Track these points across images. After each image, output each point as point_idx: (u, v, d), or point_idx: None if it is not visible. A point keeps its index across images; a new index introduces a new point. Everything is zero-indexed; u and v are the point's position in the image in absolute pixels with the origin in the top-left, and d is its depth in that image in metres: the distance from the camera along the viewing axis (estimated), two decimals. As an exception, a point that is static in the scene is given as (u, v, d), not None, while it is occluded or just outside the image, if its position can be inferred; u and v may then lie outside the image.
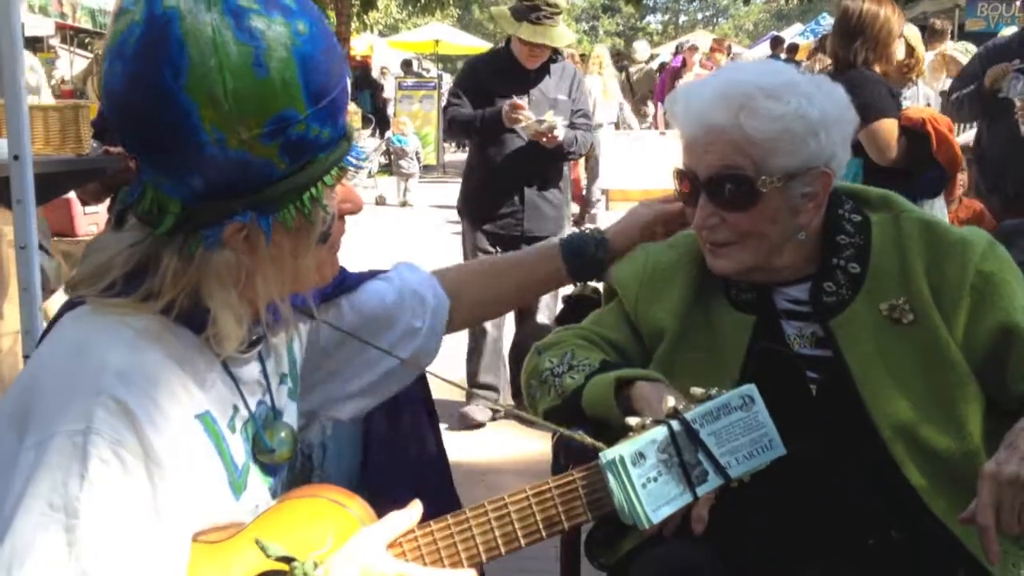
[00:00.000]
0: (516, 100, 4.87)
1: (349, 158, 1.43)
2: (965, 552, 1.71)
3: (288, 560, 1.37)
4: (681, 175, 1.88)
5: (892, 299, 1.82)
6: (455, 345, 1.84)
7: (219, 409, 1.46)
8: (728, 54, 15.31)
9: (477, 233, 5.07)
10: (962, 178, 5.18)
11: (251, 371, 1.55)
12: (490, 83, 5.04)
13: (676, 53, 16.08)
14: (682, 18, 62.80)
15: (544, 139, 4.86)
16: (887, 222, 1.89)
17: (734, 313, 1.91)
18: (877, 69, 4.30)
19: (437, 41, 24.95)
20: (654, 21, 63.18)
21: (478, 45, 25.35)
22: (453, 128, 5.23)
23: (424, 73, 23.12)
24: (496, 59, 5.28)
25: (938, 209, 4.45)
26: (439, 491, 1.89)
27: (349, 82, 1.47)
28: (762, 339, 1.87)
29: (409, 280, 1.89)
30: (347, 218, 1.53)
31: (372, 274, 1.88)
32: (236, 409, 1.50)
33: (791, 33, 25.14)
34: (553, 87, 5.10)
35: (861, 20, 4.26)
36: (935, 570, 1.77)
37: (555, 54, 5.12)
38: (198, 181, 1.33)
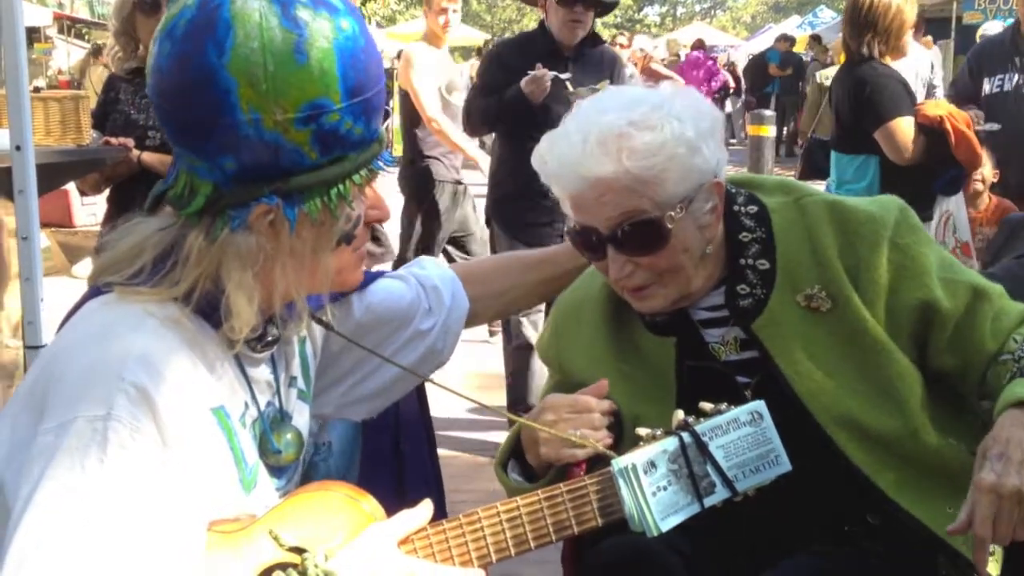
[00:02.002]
0: (539, 67, 4.19)
1: (379, 162, 1.47)
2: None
3: (300, 551, 1.39)
4: (577, 233, 1.81)
5: (807, 288, 1.79)
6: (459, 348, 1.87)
7: (232, 404, 1.48)
8: (630, 47, 14.86)
9: (513, 241, 4.53)
10: (996, 172, 5.13)
11: (263, 372, 1.57)
12: (523, 71, 4.33)
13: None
14: (680, 10, 62.66)
15: None
16: (786, 207, 1.86)
17: (654, 338, 1.89)
18: (888, 61, 4.25)
19: (435, 32, 24.88)
20: (652, 13, 63.04)
21: (476, 37, 25.33)
22: (472, 121, 4.59)
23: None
24: (527, 43, 4.60)
25: (955, 205, 4.41)
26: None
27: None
28: (686, 356, 1.85)
29: (429, 276, 1.90)
30: None
31: (382, 272, 1.89)
32: (247, 406, 1.52)
33: (789, 26, 25.17)
34: (593, 72, 4.47)
35: (872, 11, 4.19)
36: (915, 552, 1.77)
37: (594, 38, 4.56)
38: (231, 162, 1.36)
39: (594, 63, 4.53)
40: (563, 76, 4.28)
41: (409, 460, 1.97)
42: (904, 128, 4.13)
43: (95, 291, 1.48)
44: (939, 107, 4.34)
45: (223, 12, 1.32)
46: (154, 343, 1.36)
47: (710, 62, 18.97)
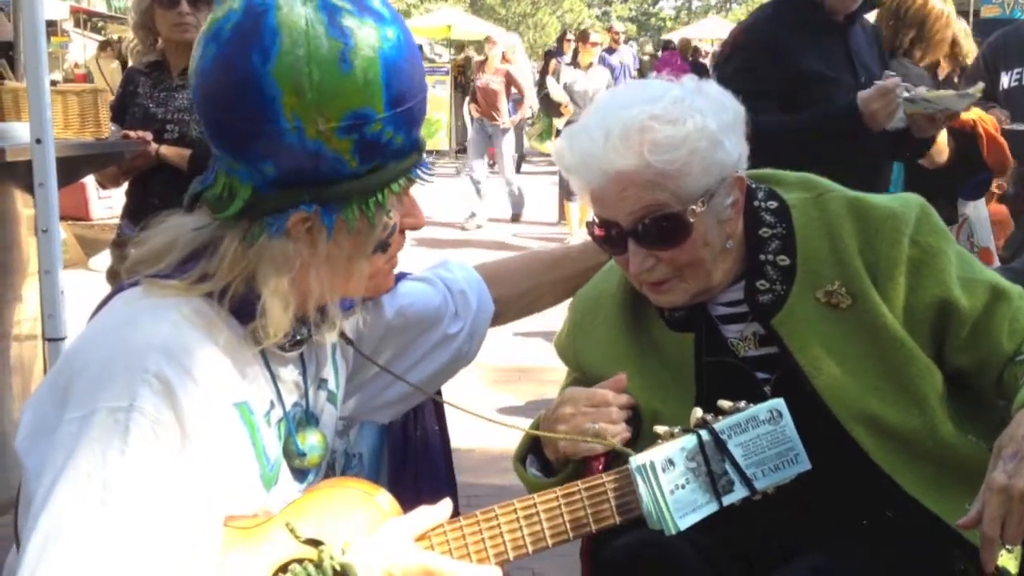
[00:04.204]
0: (887, 75, 2.99)
1: (418, 170, 1.47)
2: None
3: (316, 543, 1.40)
4: (597, 227, 1.81)
5: (827, 285, 1.79)
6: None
7: (256, 401, 1.48)
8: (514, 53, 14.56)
9: None
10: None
11: (290, 372, 1.57)
12: (793, 50, 3.13)
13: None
14: (695, 3, 62.38)
15: (932, 123, 3.07)
16: (807, 203, 1.86)
17: (671, 333, 1.88)
18: (919, 58, 4.20)
19: (450, 26, 24.90)
20: (667, 7, 62.81)
21: (491, 31, 25.27)
22: (763, 144, 2.87)
23: (436, 58, 23.10)
24: (787, 11, 3.27)
25: (973, 210, 4.36)
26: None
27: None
28: (705, 352, 1.85)
29: (456, 280, 1.91)
30: None
31: (407, 273, 1.89)
32: (272, 405, 1.52)
33: (805, 19, 25.09)
34: (866, 49, 3.37)
35: (921, 11, 4.13)
36: (932, 548, 1.77)
37: (869, 2, 3.42)
38: (271, 168, 1.37)
39: (862, 34, 3.40)
40: (909, 91, 2.99)
41: (424, 465, 1.99)
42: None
43: (123, 286, 1.49)
44: (970, 111, 4.30)
45: (269, 18, 1.32)
46: (177, 335, 1.37)
47: (678, 61, 19.40)
